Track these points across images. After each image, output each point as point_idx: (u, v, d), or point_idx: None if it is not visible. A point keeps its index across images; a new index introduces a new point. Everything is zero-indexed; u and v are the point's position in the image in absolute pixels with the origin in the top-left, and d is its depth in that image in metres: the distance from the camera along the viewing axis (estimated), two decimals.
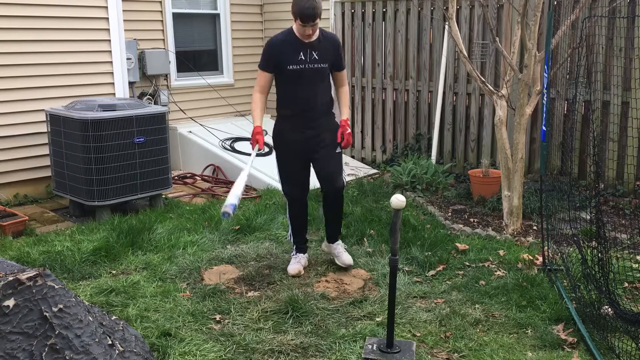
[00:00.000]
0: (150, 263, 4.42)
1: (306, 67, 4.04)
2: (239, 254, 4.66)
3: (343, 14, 7.86)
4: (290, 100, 4.15)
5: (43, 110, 5.75)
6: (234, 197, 3.68)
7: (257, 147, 4.07)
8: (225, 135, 7.44)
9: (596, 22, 4.31)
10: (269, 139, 7.78)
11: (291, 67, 4.03)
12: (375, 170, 7.49)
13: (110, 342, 2.51)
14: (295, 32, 4.03)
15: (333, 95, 4.31)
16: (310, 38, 3.99)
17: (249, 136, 7.60)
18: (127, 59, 6.90)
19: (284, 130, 4.22)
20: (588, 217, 4.45)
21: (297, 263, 4.36)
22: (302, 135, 4.15)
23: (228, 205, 3.63)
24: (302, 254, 4.43)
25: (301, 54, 4.02)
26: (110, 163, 5.29)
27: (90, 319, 2.50)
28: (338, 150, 4.22)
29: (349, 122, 4.22)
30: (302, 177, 4.28)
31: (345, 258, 4.36)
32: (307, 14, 3.82)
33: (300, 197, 4.33)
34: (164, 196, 6.02)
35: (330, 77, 4.24)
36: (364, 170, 7.45)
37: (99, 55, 6.34)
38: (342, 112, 4.29)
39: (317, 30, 4.03)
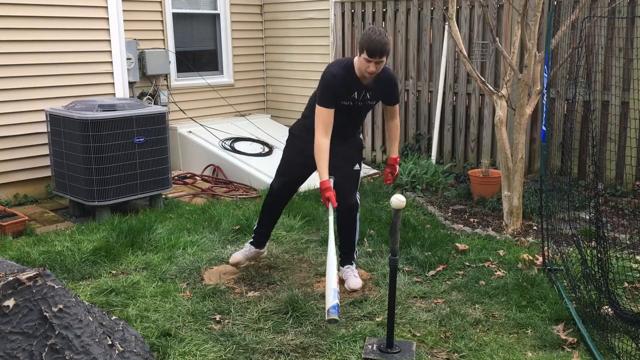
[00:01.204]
0: (150, 263, 4.42)
1: (355, 105, 3.91)
2: None
3: (343, 14, 7.86)
4: None
5: (43, 110, 5.75)
6: (332, 295, 3.19)
7: (331, 207, 3.73)
8: (225, 135, 7.44)
9: (596, 22, 4.31)
10: (267, 138, 7.74)
11: (343, 102, 3.87)
12: (375, 170, 7.49)
13: (110, 342, 2.51)
14: (354, 67, 3.79)
15: None
16: (372, 75, 3.75)
17: (249, 136, 7.66)
18: (127, 59, 6.90)
19: (305, 129, 4.04)
20: (588, 217, 4.45)
21: (240, 253, 4.30)
22: None
23: (332, 311, 3.13)
24: (255, 248, 4.33)
25: (356, 93, 3.85)
26: (110, 163, 5.29)
27: (90, 319, 2.50)
28: (357, 167, 4.09)
29: (398, 161, 4.20)
30: (295, 178, 4.17)
31: (352, 282, 4.07)
32: (375, 48, 3.57)
33: (283, 195, 4.21)
34: (164, 196, 6.02)
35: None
36: (364, 170, 7.45)
37: (99, 55, 6.34)
38: (392, 149, 4.19)
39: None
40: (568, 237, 4.24)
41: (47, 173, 5.96)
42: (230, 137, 7.45)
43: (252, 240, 4.36)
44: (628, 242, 4.88)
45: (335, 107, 3.81)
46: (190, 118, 7.79)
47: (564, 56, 5.20)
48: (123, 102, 5.53)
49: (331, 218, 3.71)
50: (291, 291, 3.94)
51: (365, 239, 4.94)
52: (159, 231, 4.97)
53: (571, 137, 5.32)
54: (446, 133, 7.18)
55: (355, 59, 3.81)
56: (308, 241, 4.93)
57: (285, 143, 4.28)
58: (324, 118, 3.77)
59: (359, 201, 4.18)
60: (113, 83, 6.46)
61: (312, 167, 4.02)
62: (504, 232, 5.17)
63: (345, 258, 4.25)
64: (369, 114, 7.83)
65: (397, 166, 4.21)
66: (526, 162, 6.33)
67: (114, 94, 6.46)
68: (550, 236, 4.34)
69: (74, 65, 6.18)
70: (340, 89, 3.80)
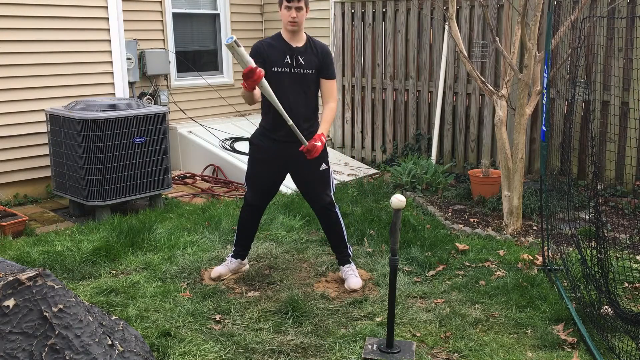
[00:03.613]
0: (150, 263, 4.42)
1: (291, 71, 3.85)
2: None
3: (343, 14, 7.86)
4: (272, 106, 3.80)
5: (43, 110, 5.75)
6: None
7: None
8: (225, 135, 7.44)
9: (596, 22, 4.31)
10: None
11: (276, 69, 3.85)
12: (375, 170, 7.49)
13: (110, 342, 2.50)
14: (282, 36, 3.86)
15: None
16: (295, 26, 3.77)
17: (249, 136, 7.65)
18: (127, 59, 6.90)
19: (262, 135, 4.02)
20: (588, 217, 4.45)
21: (223, 266, 4.24)
22: (279, 144, 3.92)
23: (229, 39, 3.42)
24: (236, 259, 4.27)
25: (287, 57, 3.84)
26: (110, 163, 5.29)
27: (90, 319, 2.50)
28: (323, 167, 4.00)
29: (323, 138, 3.81)
30: (267, 186, 4.10)
31: (352, 282, 4.07)
32: None
33: (258, 205, 4.16)
34: (164, 196, 6.02)
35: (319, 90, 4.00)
36: (364, 170, 7.45)
37: (99, 55, 6.34)
38: (321, 127, 3.90)
39: (304, 34, 3.86)
40: (568, 237, 4.24)
41: (47, 173, 5.96)
42: (230, 137, 7.45)
43: (232, 253, 4.31)
44: (628, 242, 4.88)
45: (262, 67, 3.70)
46: (191, 118, 7.79)
47: (564, 56, 5.21)
48: (123, 102, 5.53)
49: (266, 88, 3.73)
50: (291, 291, 3.94)
51: (365, 239, 4.94)
52: (159, 231, 4.97)
53: (570, 137, 5.33)
54: (446, 133, 7.18)
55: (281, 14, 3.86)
56: (308, 241, 4.93)
57: (248, 151, 4.19)
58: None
59: (332, 198, 4.11)
60: (113, 83, 6.46)
61: (278, 175, 4.06)
62: (504, 232, 5.17)
63: (341, 258, 4.23)
64: (369, 114, 7.84)
65: (318, 144, 3.76)
66: (526, 162, 6.33)
67: (114, 94, 6.46)
68: (550, 236, 4.34)
69: (74, 65, 6.18)
70: (268, 53, 3.86)
